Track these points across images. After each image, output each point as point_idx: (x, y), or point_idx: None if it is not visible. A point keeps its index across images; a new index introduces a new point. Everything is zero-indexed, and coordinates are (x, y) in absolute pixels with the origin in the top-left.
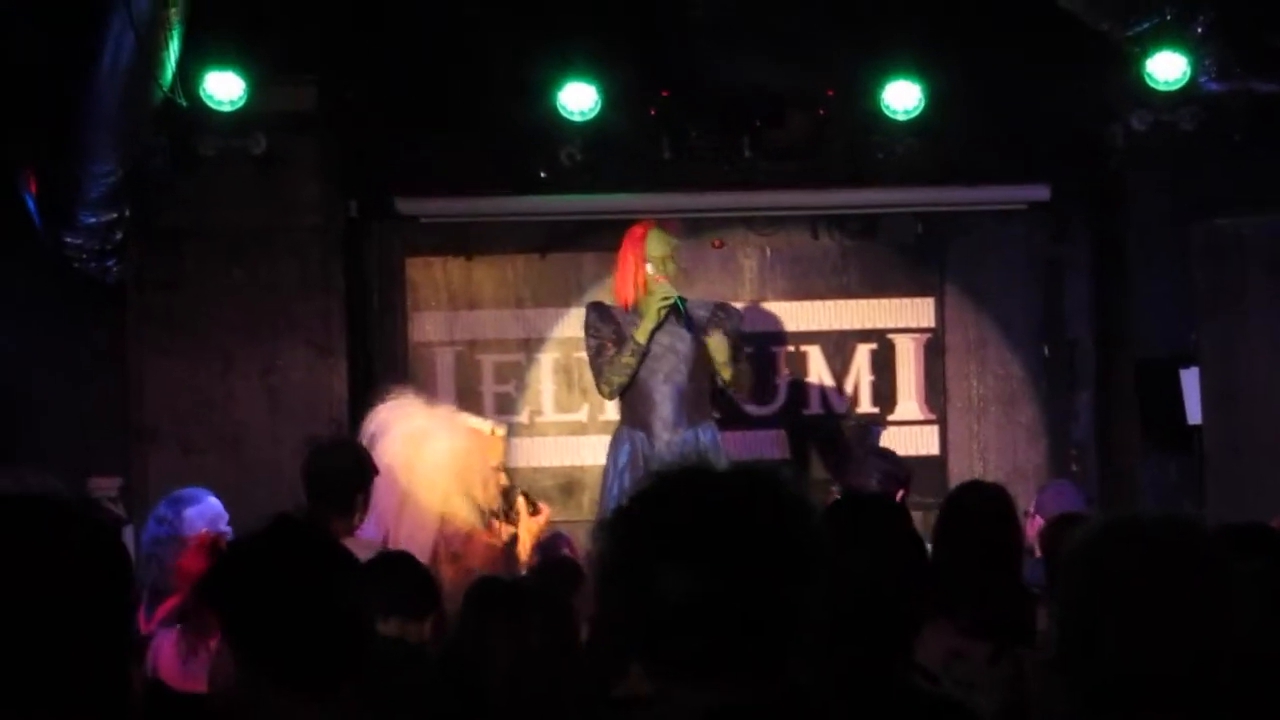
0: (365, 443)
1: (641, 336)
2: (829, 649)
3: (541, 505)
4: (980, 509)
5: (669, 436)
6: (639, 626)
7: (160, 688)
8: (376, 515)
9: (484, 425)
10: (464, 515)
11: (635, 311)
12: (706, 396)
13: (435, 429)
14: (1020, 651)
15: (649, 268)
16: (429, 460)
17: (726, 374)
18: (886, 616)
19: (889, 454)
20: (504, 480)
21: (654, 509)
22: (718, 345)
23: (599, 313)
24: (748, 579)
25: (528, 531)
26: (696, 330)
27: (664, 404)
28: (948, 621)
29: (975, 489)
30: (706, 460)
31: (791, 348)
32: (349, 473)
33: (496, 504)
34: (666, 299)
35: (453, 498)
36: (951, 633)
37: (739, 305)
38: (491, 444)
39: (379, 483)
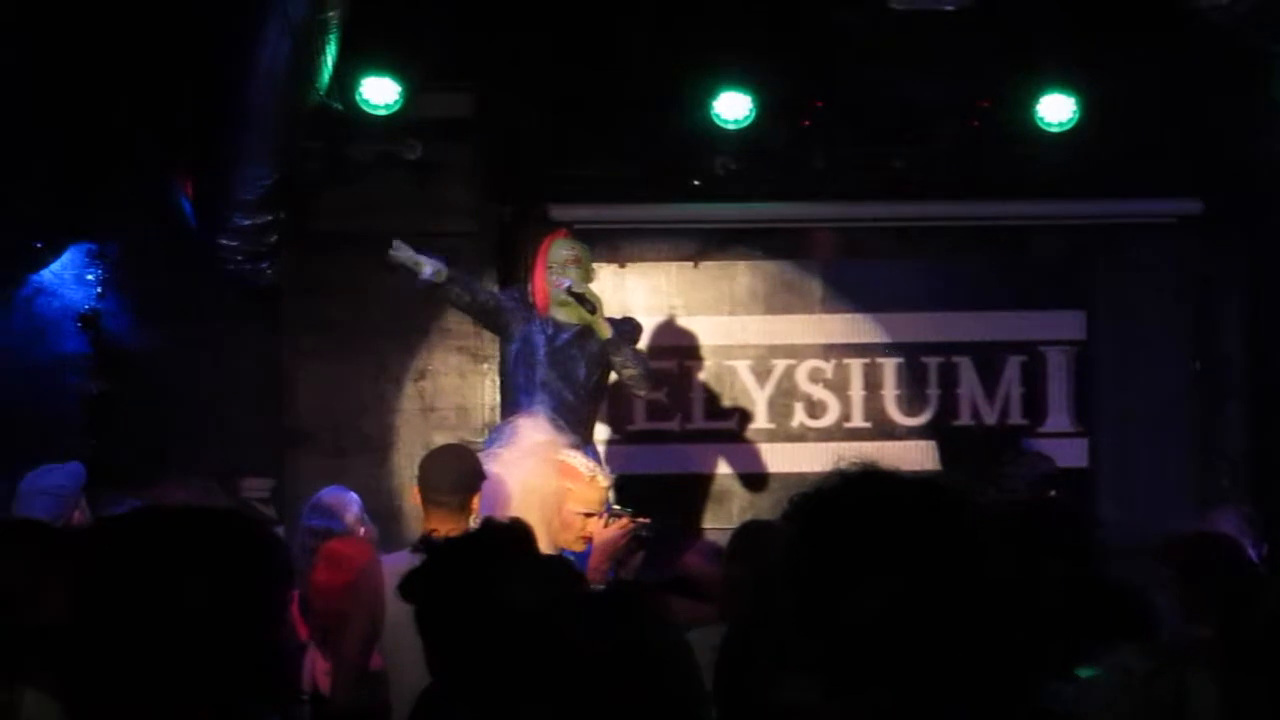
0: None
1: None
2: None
3: (625, 519)
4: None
5: None
6: (812, 635)
7: (320, 700)
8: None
9: (586, 469)
10: None
11: (548, 319)
12: (587, 420)
13: (528, 460)
14: (1186, 669)
15: (550, 274)
16: (510, 489)
17: (625, 372)
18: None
19: (1035, 454)
20: (592, 528)
21: (840, 516)
22: (603, 326)
23: (516, 293)
24: (932, 594)
25: (600, 541)
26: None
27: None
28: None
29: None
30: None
31: (942, 359)
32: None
33: (580, 548)
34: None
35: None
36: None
37: (889, 316)
38: (587, 489)
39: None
